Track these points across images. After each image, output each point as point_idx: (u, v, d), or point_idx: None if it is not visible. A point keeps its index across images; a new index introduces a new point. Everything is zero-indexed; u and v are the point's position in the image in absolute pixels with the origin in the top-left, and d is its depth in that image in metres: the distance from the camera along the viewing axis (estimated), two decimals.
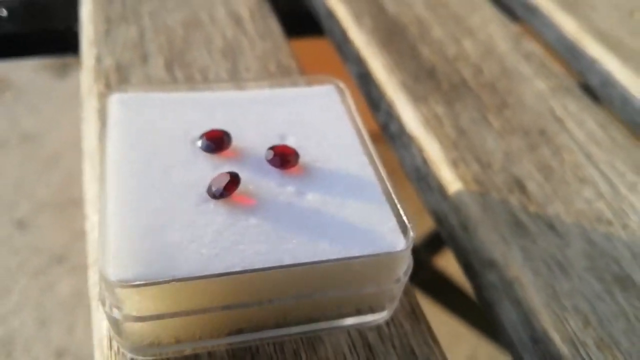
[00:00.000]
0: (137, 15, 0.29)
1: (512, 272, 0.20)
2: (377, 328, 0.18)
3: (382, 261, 0.16)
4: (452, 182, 0.24)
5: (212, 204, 0.17)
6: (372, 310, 0.18)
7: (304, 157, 0.19)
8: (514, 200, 0.23)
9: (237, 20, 0.30)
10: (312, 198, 0.17)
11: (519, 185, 0.23)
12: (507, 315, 0.20)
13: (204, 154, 0.18)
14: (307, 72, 0.27)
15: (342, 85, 0.22)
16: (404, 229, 0.17)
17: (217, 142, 0.18)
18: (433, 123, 0.26)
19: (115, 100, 0.20)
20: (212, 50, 0.27)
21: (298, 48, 0.30)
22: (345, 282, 0.16)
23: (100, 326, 0.18)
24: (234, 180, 0.17)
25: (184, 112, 0.20)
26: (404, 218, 0.17)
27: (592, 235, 0.22)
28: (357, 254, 0.16)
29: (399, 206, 0.17)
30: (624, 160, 0.25)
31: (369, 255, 0.16)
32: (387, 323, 0.18)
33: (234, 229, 0.16)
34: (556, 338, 0.19)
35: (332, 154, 0.19)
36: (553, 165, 0.24)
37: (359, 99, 0.29)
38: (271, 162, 0.18)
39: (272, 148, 0.18)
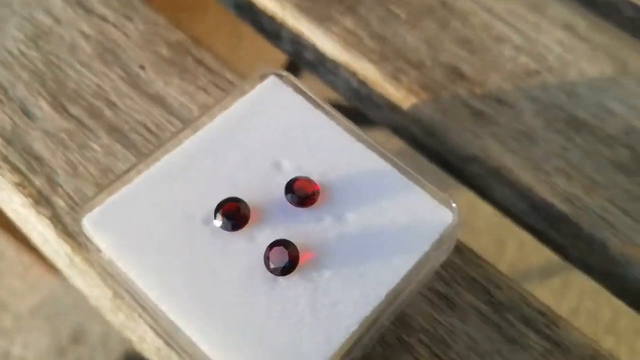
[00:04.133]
0: None
1: (495, 162, 0.23)
2: (438, 275, 0.20)
3: (444, 238, 0.18)
4: (401, 98, 0.24)
5: (281, 279, 0.17)
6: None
7: (312, 176, 0.18)
8: (461, 90, 0.24)
9: (86, 11, 0.25)
10: (351, 217, 0.18)
11: (456, 73, 0.25)
12: (502, 194, 0.24)
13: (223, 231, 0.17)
14: (186, 29, 0.25)
15: (281, 72, 0.20)
16: (442, 200, 0.18)
17: (237, 216, 0.17)
18: (350, 40, 0.25)
19: (90, 224, 0.17)
20: (85, 61, 0.24)
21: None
22: (424, 270, 0.18)
23: None
24: (293, 252, 0.17)
25: (164, 196, 0.18)
26: (436, 191, 0.18)
27: (532, 92, 0.25)
28: (426, 249, 0.17)
29: (424, 182, 0.18)
30: (519, 3, 0.27)
31: (435, 243, 0.17)
32: (443, 267, 0.20)
33: (321, 291, 0.17)
34: (554, 201, 0.22)
35: (330, 157, 0.19)
36: (469, 36, 0.26)
37: (261, 43, 0.28)
38: (298, 204, 0.18)
39: (290, 191, 0.18)
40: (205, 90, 0.23)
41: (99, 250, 0.17)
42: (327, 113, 0.20)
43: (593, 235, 0.22)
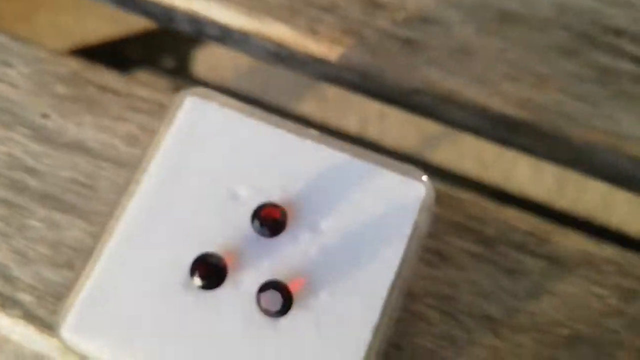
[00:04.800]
0: None
1: (439, 89, 0.22)
2: None
3: (423, 212, 0.17)
4: (325, 50, 0.23)
5: (281, 320, 0.16)
6: None
7: (272, 195, 0.17)
8: (382, 22, 0.23)
9: None
10: (326, 225, 0.17)
11: (372, 4, 0.23)
12: (457, 116, 0.23)
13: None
14: None
15: (195, 89, 0.18)
16: (409, 173, 0.17)
17: (215, 272, 0.16)
18: (252, 4, 0.23)
19: (70, 335, 0.16)
20: None
21: None
22: (414, 248, 0.18)
23: None
24: (284, 290, 0.16)
25: (133, 273, 0.17)
26: (401, 166, 0.17)
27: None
28: (409, 231, 0.17)
29: (386, 161, 0.17)
30: None
31: (416, 221, 0.17)
32: None
33: (324, 315, 0.16)
34: (509, 111, 0.22)
35: (282, 167, 0.18)
36: None
37: None
38: (270, 235, 0.17)
39: (258, 224, 0.17)
40: (121, 118, 0.21)
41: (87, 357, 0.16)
42: (261, 119, 0.18)
43: (555, 133, 0.21)
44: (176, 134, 0.18)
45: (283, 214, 0.17)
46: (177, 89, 0.19)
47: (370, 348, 0.16)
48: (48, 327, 0.19)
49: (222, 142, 0.18)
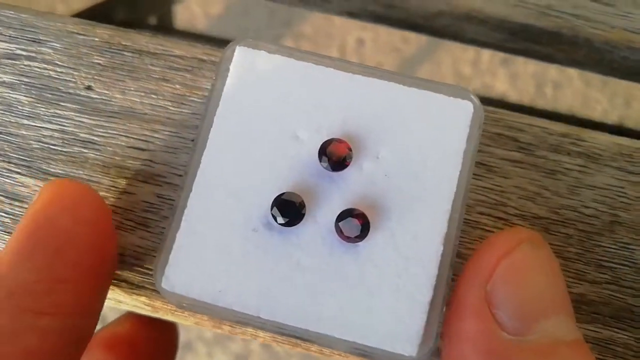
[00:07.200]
0: None
1: (461, 8, 0.23)
2: None
3: (473, 127, 0.19)
4: None
5: (360, 245, 0.18)
6: None
7: (333, 132, 0.18)
8: None
9: None
10: (386, 153, 0.18)
11: None
12: (477, 33, 0.24)
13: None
14: None
15: (244, 40, 0.19)
16: (458, 93, 0.18)
17: (295, 210, 0.18)
18: None
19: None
20: (27, 113, 0.22)
21: None
22: (469, 161, 0.19)
23: None
24: (360, 216, 0.17)
25: (216, 219, 0.18)
26: (449, 87, 0.18)
27: None
28: (464, 145, 0.18)
29: (435, 84, 0.19)
30: None
31: (468, 136, 0.18)
32: None
33: (399, 234, 0.18)
34: (530, 21, 0.23)
35: (337, 103, 0.19)
36: None
37: None
38: (337, 168, 0.18)
39: (326, 161, 0.18)
40: (165, 79, 0.22)
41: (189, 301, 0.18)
42: (310, 60, 0.19)
43: (576, 37, 0.23)
44: (233, 85, 0.19)
45: (347, 148, 0.18)
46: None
47: (443, 258, 0.18)
48: (136, 287, 0.21)
49: (277, 87, 0.19)
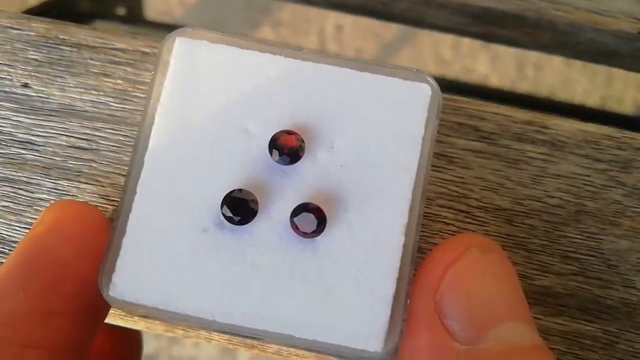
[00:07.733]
0: None
1: None
2: None
3: (431, 110, 0.17)
4: None
5: (318, 239, 0.17)
6: None
7: (283, 123, 0.17)
8: None
9: None
10: (341, 142, 0.17)
11: None
12: (437, 17, 0.23)
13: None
14: None
15: (184, 29, 0.18)
16: (414, 76, 0.17)
17: (246, 207, 0.17)
18: None
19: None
20: None
21: None
22: (429, 143, 0.18)
23: None
24: (315, 210, 0.16)
25: (163, 222, 0.17)
26: (405, 70, 0.17)
27: None
28: (422, 130, 0.17)
29: (389, 68, 0.17)
30: None
31: (427, 119, 0.17)
32: None
33: (357, 226, 0.17)
34: (491, 4, 0.22)
35: (286, 93, 0.18)
36: None
37: None
38: (290, 161, 0.17)
39: (277, 154, 0.17)
40: (105, 74, 0.21)
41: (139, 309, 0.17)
42: (256, 48, 0.18)
43: (540, 19, 0.22)
44: (174, 79, 0.18)
45: (299, 139, 0.17)
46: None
47: (405, 249, 0.17)
48: None
49: (222, 79, 0.18)
